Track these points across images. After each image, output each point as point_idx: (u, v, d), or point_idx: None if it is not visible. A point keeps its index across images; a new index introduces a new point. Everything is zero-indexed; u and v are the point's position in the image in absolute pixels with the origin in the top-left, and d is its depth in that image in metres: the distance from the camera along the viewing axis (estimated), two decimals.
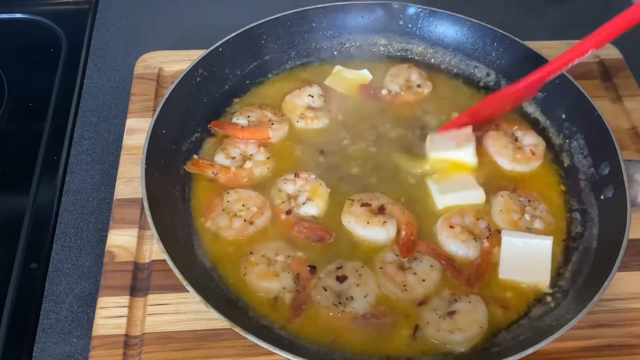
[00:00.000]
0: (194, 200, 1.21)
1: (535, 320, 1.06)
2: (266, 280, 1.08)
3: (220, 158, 1.25)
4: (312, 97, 1.36)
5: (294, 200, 1.20)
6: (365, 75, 1.43)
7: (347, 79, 1.42)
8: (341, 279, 1.08)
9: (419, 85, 1.40)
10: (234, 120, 1.31)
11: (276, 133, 1.30)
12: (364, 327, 1.05)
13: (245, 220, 1.15)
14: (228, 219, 1.15)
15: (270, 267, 1.09)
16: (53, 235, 1.24)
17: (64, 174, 1.33)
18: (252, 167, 1.23)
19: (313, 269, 1.10)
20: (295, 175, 1.22)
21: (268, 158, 1.25)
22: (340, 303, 1.06)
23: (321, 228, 1.17)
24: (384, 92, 1.40)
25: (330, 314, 1.05)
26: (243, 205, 1.17)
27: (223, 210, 1.17)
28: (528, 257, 1.12)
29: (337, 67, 1.42)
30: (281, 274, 1.09)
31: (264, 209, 1.17)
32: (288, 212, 1.18)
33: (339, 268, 1.10)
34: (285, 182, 1.22)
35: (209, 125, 1.30)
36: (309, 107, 1.35)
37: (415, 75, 1.42)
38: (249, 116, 1.31)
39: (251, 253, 1.12)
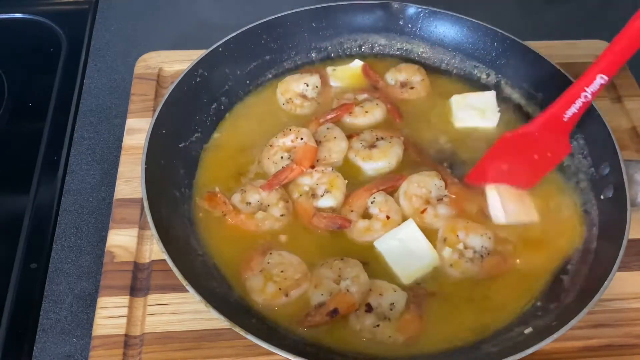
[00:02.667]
0: (197, 186, 1.22)
1: (536, 321, 1.06)
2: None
3: (236, 199, 1.19)
4: (307, 85, 1.37)
5: (312, 192, 1.20)
6: (358, 65, 1.44)
7: (346, 73, 1.43)
8: (369, 308, 1.06)
9: (412, 87, 1.41)
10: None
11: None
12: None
13: (280, 289, 1.07)
14: (263, 282, 1.08)
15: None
16: (53, 235, 1.24)
17: (64, 174, 1.33)
18: (262, 219, 1.16)
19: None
20: (311, 167, 1.22)
21: (282, 215, 1.17)
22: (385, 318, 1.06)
23: (340, 216, 1.18)
24: (381, 83, 1.42)
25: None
26: (282, 271, 1.09)
27: (261, 271, 1.09)
28: (409, 249, 1.13)
29: (329, 69, 1.43)
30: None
31: (303, 280, 1.08)
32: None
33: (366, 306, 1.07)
34: (302, 176, 1.22)
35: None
36: (301, 95, 1.36)
37: (417, 78, 1.42)
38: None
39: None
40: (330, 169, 1.23)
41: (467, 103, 1.36)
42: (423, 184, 1.22)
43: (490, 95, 1.37)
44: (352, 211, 1.19)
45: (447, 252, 1.13)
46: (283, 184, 1.21)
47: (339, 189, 1.21)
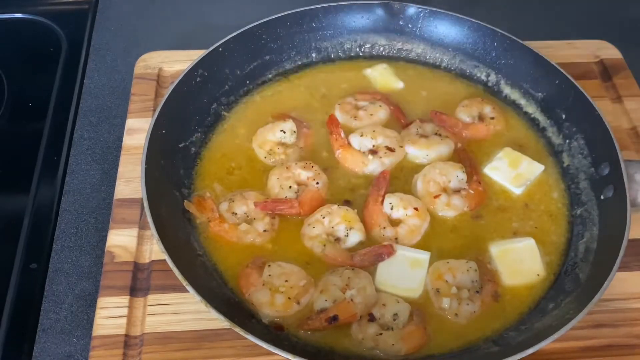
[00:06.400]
0: (196, 186, 1.20)
1: (536, 321, 1.06)
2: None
3: (222, 207, 1.18)
4: (284, 132, 1.28)
5: (332, 237, 1.15)
6: (398, 84, 1.44)
7: (384, 79, 1.44)
8: (372, 317, 1.05)
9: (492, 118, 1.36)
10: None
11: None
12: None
13: (289, 298, 1.05)
14: (270, 294, 1.06)
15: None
16: (53, 235, 1.24)
17: (64, 174, 1.33)
18: (245, 231, 1.14)
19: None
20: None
21: (265, 231, 1.15)
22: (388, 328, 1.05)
23: (379, 246, 1.13)
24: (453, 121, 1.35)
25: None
26: (286, 281, 1.07)
27: (263, 285, 1.07)
28: (405, 268, 1.10)
29: (383, 66, 1.45)
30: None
31: (309, 285, 1.08)
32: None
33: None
34: (313, 227, 1.15)
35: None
36: (280, 143, 1.28)
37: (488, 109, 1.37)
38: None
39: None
40: (335, 206, 1.17)
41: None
42: (445, 172, 1.22)
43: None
44: (384, 228, 1.16)
45: (446, 302, 1.07)
46: (274, 212, 1.18)
47: (356, 221, 1.16)
